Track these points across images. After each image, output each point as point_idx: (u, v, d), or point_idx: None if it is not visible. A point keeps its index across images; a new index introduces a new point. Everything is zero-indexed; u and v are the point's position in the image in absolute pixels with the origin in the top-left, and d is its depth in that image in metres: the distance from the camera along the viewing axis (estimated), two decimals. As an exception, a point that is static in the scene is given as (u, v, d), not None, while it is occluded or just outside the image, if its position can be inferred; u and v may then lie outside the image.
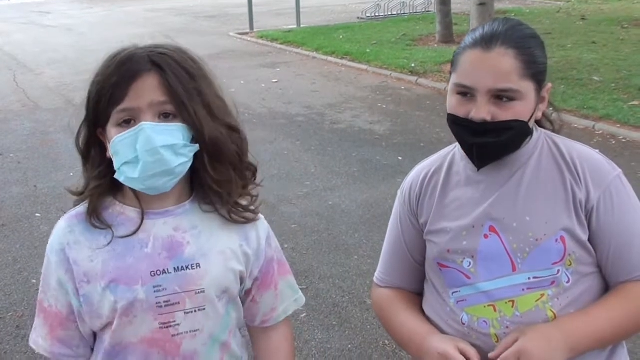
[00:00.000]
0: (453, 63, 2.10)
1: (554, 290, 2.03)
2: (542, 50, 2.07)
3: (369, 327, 4.91)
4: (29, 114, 11.37)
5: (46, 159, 8.94)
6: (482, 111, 1.97)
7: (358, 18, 21.32)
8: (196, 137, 1.85)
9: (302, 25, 19.83)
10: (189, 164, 1.86)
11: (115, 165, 1.83)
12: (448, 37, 15.90)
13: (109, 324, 1.91)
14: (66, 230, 1.93)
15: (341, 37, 17.49)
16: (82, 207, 1.94)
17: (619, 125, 9.27)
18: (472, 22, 13.23)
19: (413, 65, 13.53)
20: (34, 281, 5.66)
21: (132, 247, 1.90)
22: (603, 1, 22.95)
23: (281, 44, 17.46)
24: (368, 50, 15.40)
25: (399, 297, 2.35)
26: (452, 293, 2.15)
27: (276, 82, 13.24)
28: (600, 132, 9.22)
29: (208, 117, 1.87)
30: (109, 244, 1.89)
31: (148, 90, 1.80)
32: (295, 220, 6.73)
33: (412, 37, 17.04)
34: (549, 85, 2.10)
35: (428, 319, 2.24)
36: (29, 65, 15.73)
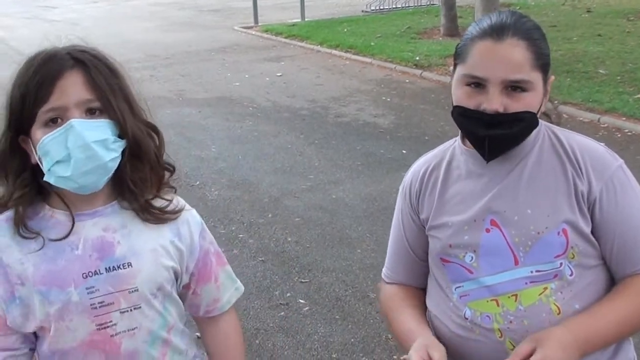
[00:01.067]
0: (459, 54, 2.06)
1: (557, 283, 2.00)
2: (546, 42, 2.05)
3: (371, 320, 4.89)
4: (33, 108, 11.36)
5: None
6: (494, 102, 1.94)
7: (362, 11, 21.27)
8: (121, 133, 1.85)
9: (306, 19, 19.80)
10: (119, 160, 1.85)
11: (45, 167, 1.81)
12: (453, 30, 15.85)
13: (44, 329, 1.89)
14: None
15: (345, 30, 17.45)
16: (10, 212, 1.91)
17: (624, 118, 9.24)
18: (477, 14, 13.17)
19: (417, 58, 13.50)
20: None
21: (63, 250, 1.88)
22: (609, -6, 22.89)
23: (285, 37, 17.44)
24: (372, 44, 15.36)
25: (402, 293, 2.34)
26: (455, 288, 2.14)
27: (280, 75, 13.21)
28: (606, 125, 9.19)
29: (130, 113, 1.87)
30: (40, 248, 1.87)
31: (73, 87, 1.79)
32: (298, 214, 6.72)
33: (416, 30, 16.99)
34: (552, 77, 2.09)
35: (431, 314, 2.23)
36: (34, 59, 15.71)
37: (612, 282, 2.08)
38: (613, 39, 14.33)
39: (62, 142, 1.76)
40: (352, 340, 4.73)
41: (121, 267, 1.90)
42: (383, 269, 2.45)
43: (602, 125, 9.17)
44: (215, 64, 14.58)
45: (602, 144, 2.10)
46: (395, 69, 13.21)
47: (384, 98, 11.14)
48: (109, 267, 1.89)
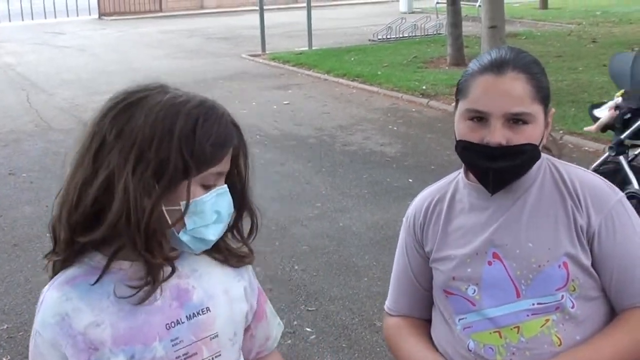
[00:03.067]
0: (461, 90, 2.11)
1: (559, 315, 2.03)
2: (545, 76, 2.10)
3: (378, 349, 4.91)
4: (41, 134, 11.44)
5: (59, 179, 8.88)
6: (497, 135, 1.99)
7: (369, 40, 21.35)
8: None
9: (313, 47, 19.88)
10: None
11: (190, 226, 1.71)
12: (459, 59, 15.92)
13: None
14: (61, 299, 1.73)
15: (352, 59, 17.54)
16: (71, 271, 1.77)
17: (628, 148, 9.23)
18: (483, 45, 13.24)
19: (424, 87, 13.57)
20: (45, 301, 5.69)
21: (140, 305, 1.75)
22: (614, 24, 22.95)
23: (293, 65, 17.51)
24: (379, 73, 15.43)
25: (407, 325, 2.36)
26: (459, 320, 2.16)
27: (287, 103, 13.28)
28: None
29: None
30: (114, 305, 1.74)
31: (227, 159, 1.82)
32: (305, 242, 6.75)
33: (423, 60, 17.07)
34: (553, 110, 2.14)
35: (436, 345, 2.25)
36: (42, 85, 15.83)
37: (614, 313, 2.11)
38: (618, 70, 14.36)
39: (213, 205, 1.74)
40: (359, 368, 4.75)
41: (200, 312, 1.82)
42: (386, 302, 2.47)
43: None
44: (222, 91, 14.63)
45: (602, 177, 2.15)
46: (402, 98, 13.27)
47: (390, 127, 11.19)
48: (190, 315, 1.80)
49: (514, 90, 1.99)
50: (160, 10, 34.72)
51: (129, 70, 17.57)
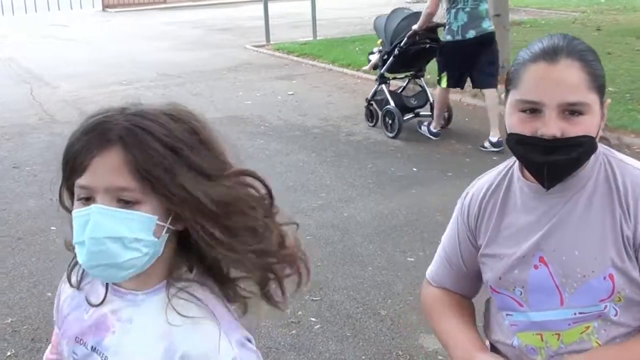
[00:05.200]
0: (511, 80, 2.03)
1: (600, 322, 2.02)
2: (600, 64, 2.02)
3: (382, 338, 4.90)
4: (45, 127, 11.43)
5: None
6: (552, 127, 1.90)
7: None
8: (184, 216, 1.59)
9: (318, 38, 19.82)
10: (148, 258, 1.61)
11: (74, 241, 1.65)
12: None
13: None
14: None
15: (357, 49, 17.46)
16: None
17: (633, 136, 9.24)
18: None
19: (429, 76, 13.51)
20: (49, 294, 5.68)
21: (81, 305, 1.79)
22: (618, 12, 22.86)
23: (297, 56, 17.46)
24: (383, 62, 15.35)
25: (450, 299, 2.35)
26: (506, 315, 2.16)
27: (292, 94, 13.25)
28: (615, 142, 9.14)
29: (198, 182, 1.59)
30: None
31: (107, 170, 1.57)
32: (310, 232, 6.74)
33: (427, 49, 17.02)
34: (609, 100, 2.05)
35: (489, 329, 2.27)
36: (46, 78, 15.82)
37: None
38: (622, 57, 14.34)
39: (82, 225, 1.59)
40: (364, 357, 4.75)
41: (100, 354, 1.71)
42: (429, 269, 2.44)
43: (612, 143, 9.13)
44: (226, 82, 14.63)
45: None
46: (406, 88, 13.18)
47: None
48: (94, 347, 1.72)
49: (569, 78, 1.91)
50: (164, 1, 34.65)
51: (133, 62, 17.56)
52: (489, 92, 9.35)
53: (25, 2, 32.30)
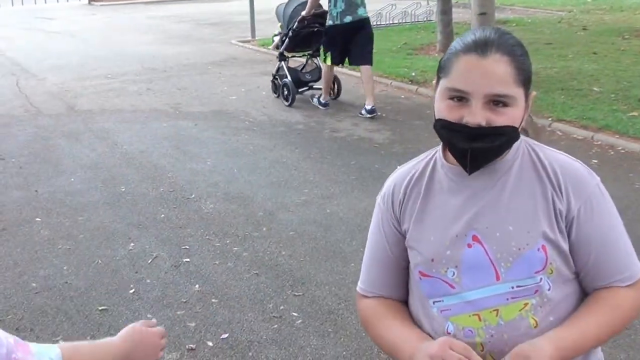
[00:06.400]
0: (442, 68, 2.12)
1: (537, 299, 2.06)
2: (528, 59, 2.09)
3: (364, 334, 4.93)
4: (31, 119, 11.41)
5: (47, 164, 8.99)
6: (477, 116, 1.99)
7: (360, 26, 21.32)
8: None
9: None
10: None
11: None
12: (449, 46, 15.88)
13: None
14: None
15: (342, 45, 17.50)
16: None
17: (617, 136, 9.29)
18: (473, 31, 13.23)
19: (413, 74, 13.57)
20: (34, 285, 5.72)
21: None
22: (605, 11, 22.98)
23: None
24: (369, 59, 15.38)
25: (386, 305, 2.35)
26: (433, 302, 2.17)
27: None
28: (599, 142, 9.24)
29: None
30: None
31: None
32: (292, 228, 6.77)
33: (413, 46, 17.07)
34: (534, 93, 2.13)
35: (418, 324, 2.25)
36: (32, 70, 15.77)
37: (583, 294, 2.16)
38: (608, 57, 14.43)
39: None
40: (345, 353, 4.78)
41: None
42: (359, 284, 2.45)
43: (596, 143, 9.22)
44: (212, 77, 14.63)
45: (579, 161, 2.16)
46: (391, 85, 13.28)
47: (379, 113, 11.18)
48: None
49: (497, 71, 1.99)
50: (151, -5, 34.57)
51: (118, 55, 17.52)
52: (364, 68, 11.24)
53: (11, -6, 32.20)
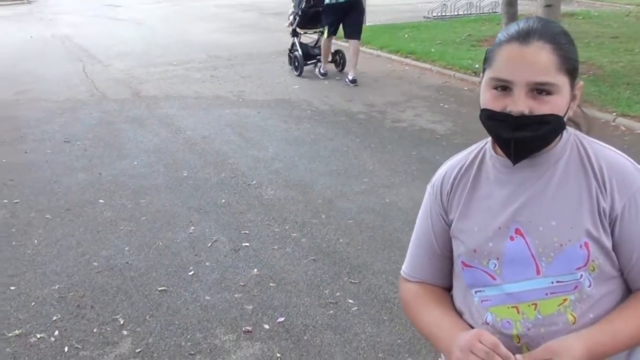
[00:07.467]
0: (487, 59, 2.10)
1: (577, 295, 2.04)
2: (574, 47, 2.06)
3: (419, 322, 4.94)
4: (96, 104, 11.63)
5: (111, 148, 9.16)
6: (520, 104, 1.97)
7: (424, 17, 21.24)
8: None
9: (367, 24, 19.78)
10: None
11: None
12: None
13: None
14: None
15: (406, 36, 17.47)
16: None
17: (682, 132, 9.15)
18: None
19: (477, 65, 13.46)
20: (96, 264, 5.84)
21: None
22: (675, 6, 22.56)
23: (346, 41, 17.45)
24: (432, 50, 15.36)
25: (428, 292, 2.36)
26: (475, 292, 2.18)
27: (339, 79, 13.30)
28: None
29: None
30: None
31: None
32: (351, 216, 6.80)
33: (477, 38, 16.95)
34: (581, 83, 2.10)
35: (460, 313, 2.26)
36: (98, 57, 16.04)
37: (627, 291, 2.13)
38: (676, 52, 14.17)
39: None
40: (399, 341, 4.79)
41: None
42: (403, 267, 2.46)
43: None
44: (275, 66, 14.72)
45: (629, 158, 2.12)
46: (454, 76, 13.23)
47: (441, 104, 11.17)
48: None
49: (539, 59, 1.97)
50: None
51: (183, 43, 17.71)
52: (353, 42, 13.11)
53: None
